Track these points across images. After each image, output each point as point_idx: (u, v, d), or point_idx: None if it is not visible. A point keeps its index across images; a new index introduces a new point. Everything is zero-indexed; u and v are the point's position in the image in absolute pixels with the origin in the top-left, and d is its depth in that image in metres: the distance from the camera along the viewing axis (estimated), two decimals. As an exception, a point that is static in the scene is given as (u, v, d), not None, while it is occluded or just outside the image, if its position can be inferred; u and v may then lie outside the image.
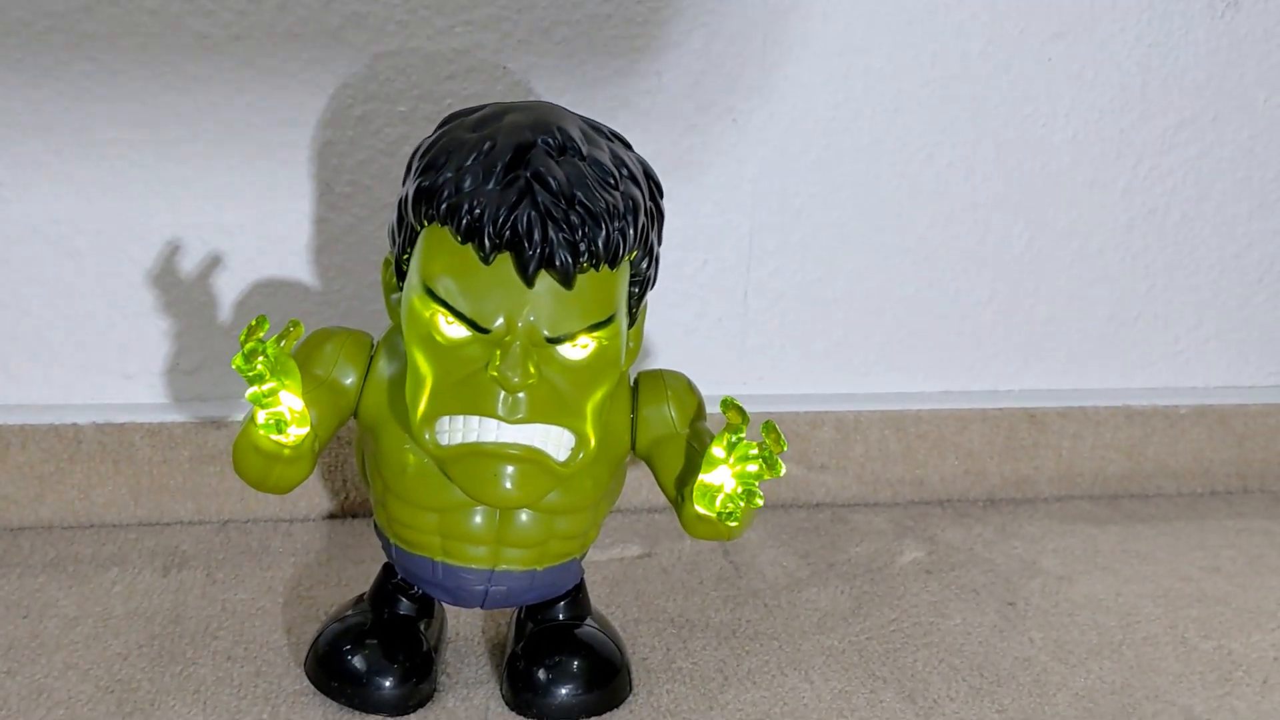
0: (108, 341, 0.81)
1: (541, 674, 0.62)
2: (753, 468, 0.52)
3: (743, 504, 0.53)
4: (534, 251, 0.52)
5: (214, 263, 0.81)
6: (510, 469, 0.55)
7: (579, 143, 0.54)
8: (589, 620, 0.65)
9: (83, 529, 0.81)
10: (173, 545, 0.80)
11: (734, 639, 0.72)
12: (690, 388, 0.62)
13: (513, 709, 0.62)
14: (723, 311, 0.88)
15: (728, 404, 0.54)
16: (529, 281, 0.53)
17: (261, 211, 0.80)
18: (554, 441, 0.55)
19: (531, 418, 0.54)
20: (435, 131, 0.57)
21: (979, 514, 0.91)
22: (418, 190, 0.55)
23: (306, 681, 0.64)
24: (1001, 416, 0.93)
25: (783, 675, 0.69)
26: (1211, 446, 0.96)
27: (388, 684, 0.61)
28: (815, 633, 0.73)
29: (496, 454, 0.54)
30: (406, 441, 0.58)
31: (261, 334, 0.50)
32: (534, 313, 0.53)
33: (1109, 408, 0.93)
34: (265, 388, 0.51)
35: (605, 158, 0.54)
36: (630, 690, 0.64)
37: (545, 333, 0.54)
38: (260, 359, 0.50)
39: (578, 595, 0.65)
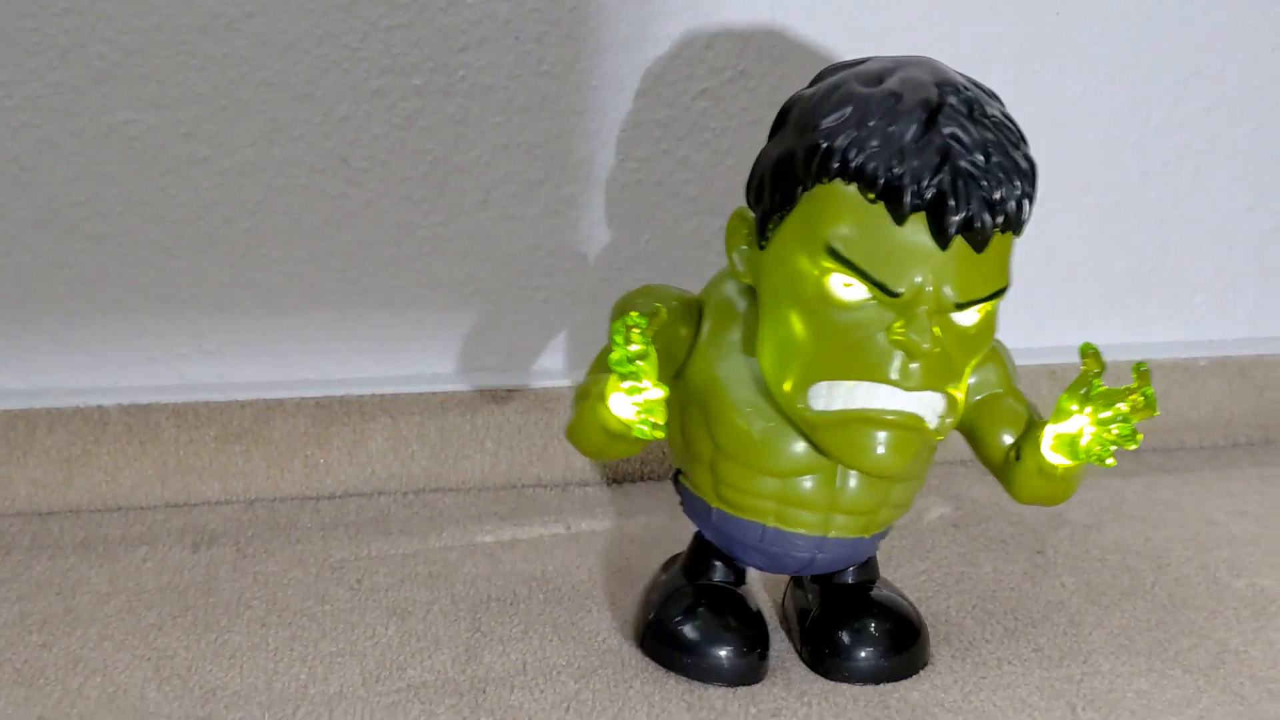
0: (130, 324, 0.82)
1: (845, 636, 0.62)
2: (1123, 405, 0.50)
3: (1115, 446, 0.51)
4: (954, 214, 0.50)
5: (234, 241, 0.82)
6: (890, 436, 0.53)
7: (980, 101, 0.52)
8: (879, 583, 0.64)
9: (111, 511, 0.82)
10: (201, 524, 0.80)
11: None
12: (1004, 349, 0.61)
13: (815, 670, 0.62)
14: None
15: (1086, 350, 0.52)
16: (945, 244, 0.50)
17: (279, 187, 0.81)
18: (931, 408, 0.54)
19: (924, 384, 0.52)
20: (816, 85, 0.54)
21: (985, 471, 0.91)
22: (816, 145, 0.52)
23: (341, 643, 0.64)
24: (1022, 373, 0.93)
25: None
26: (1232, 398, 0.96)
27: (725, 652, 0.61)
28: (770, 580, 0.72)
29: (881, 421, 0.53)
30: (750, 404, 0.56)
31: (639, 334, 0.49)
32: (946, 277, 0.51)
33: (1128, 362, 0.93)
34: (643, 386, 0.50)
35: (1002, 117, 0.52)
36: (930, 654, 0.64)
37: (954, 298, 0.52)
38: (642, 362, 0.49)
39: (869, 558, 0.64)
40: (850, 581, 0.65)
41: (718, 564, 0.64)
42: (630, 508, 0.84)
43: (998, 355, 0.61)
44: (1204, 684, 0.63)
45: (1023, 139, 0.54)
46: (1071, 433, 0.52)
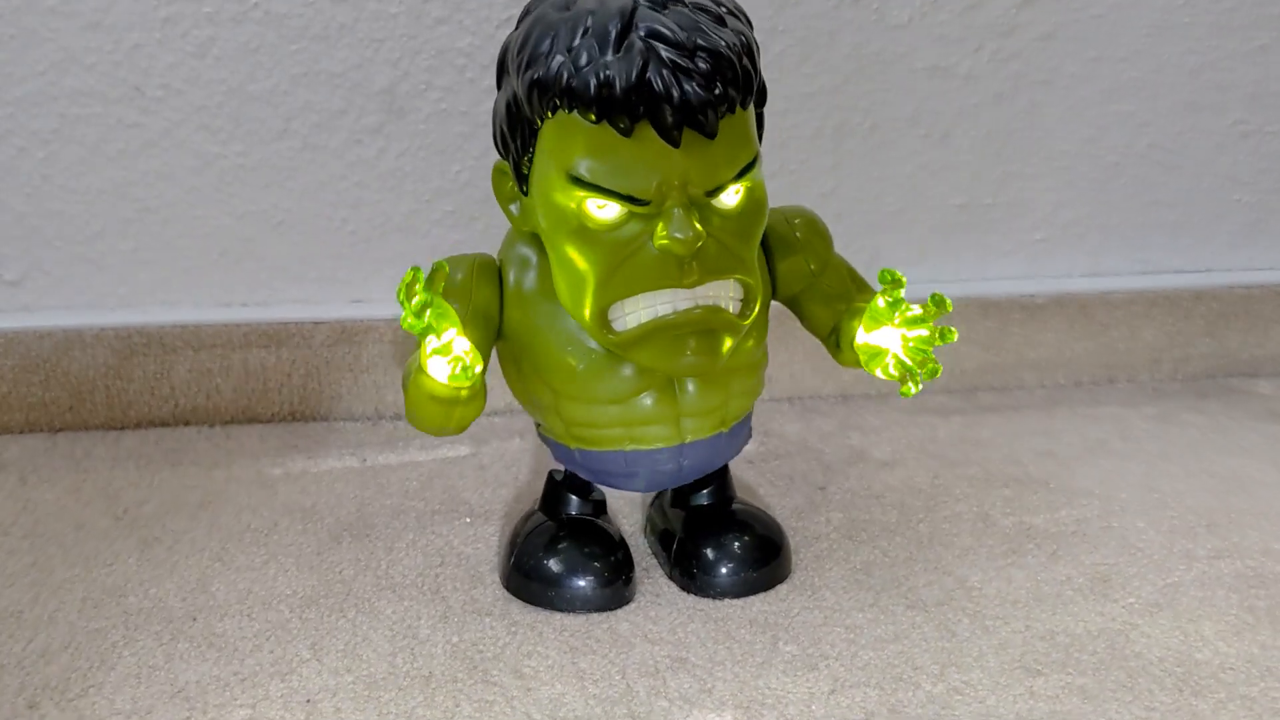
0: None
1: (710, 552, 0.63)
2: (921, 332, 0.53)
3: (921, 375, 0.53)
4: (674, 110, 0.50)
5: (29, 171, 0.81)
6: (693, 336, 0.54)
7: None
8: (738, 501, 0.66)
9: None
10: (-2, 454, 0.80)
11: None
12: (817, 223, 0.62)
13: (684, 590, 0.64)
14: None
15: (885, 277, 0.53)
16: (675, 141, 0.51)
17: (73, 117, 0.80)
18: (727, 295, 0.54)
19: (705, 277, 0.53)
20: (521, 25, 0.55)
21: (827, 410, 0.90)
22: (532, 83, 0.52)
23: (77, 569, 0.66)
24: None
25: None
26: (1073, 337, 0.95)
27: (586, 582, 0.62)
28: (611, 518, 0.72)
29: (681, 322, 0.54)
30: (568, 343, 0.58)
31: (420, 286, 0.49)
32: (686, 171, 0.52)
33: (963, 298, 0.92)
34: (445, 338, 0.51)
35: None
36: (791, 566, 0.65)
37: (703, 186, 0.52)
38: (429, 311, 0.50)
39: (724, 478, 0.66)
40: (708, 502, 0.66)
41: (573, 498, 0.65)
42: (434, 441, 0.83)
43: (810, 236, 0.61)
44: (921, 619, 0.62)
45: (732, 14, 0.54)
46: (883, 348, 0.55)
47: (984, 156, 0.92)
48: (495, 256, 0.61)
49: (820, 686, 0.56)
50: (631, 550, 0.66)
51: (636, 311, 0.54)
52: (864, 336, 0.56)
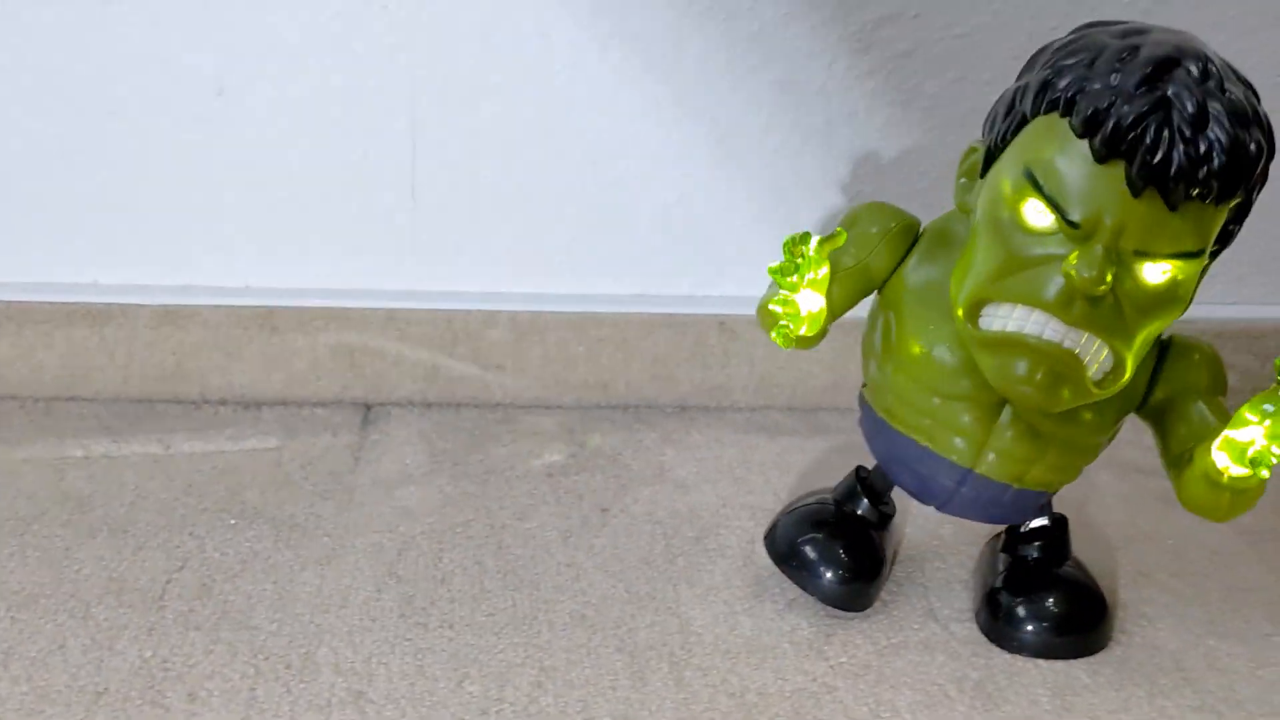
0: None
1: (1022, 609, 0.63)
2: None
3: (1277, 459, 0.51)
4: (1151, 164, 0.51)
5: None
6: (1041, 366, 0.54)
7: (1220, 75, 0.52)
8: (1070, 563, 0.66)
9: None
10: None
11: (281, 530, 0.72)
12: (1220, 363, 0.61)
13: (989, 638, 0.64)
14: (389, 206, 0.86)
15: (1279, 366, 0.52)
16: (1135, 191, 0.51)
17: None
18: (1093, 355, 0.54)
19: (1085, 324, 0.53)
20: (1070, 34, 0.56)
21: (660, 421, 0.89)
22: (1044, 81, 0.54)
23: None
24: (690, 323, 0.91)
25: (301, 570, 0.69)
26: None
27: (834, 576, 0.64)
28: (367, 529, 0.73)
29: (1034, 348, 0.54)
30: (930, 324, 0.59)
31: (804, 247, 0.54)
32: (1129, 221, 0.52)
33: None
34: (785, 299, 0.56)
35: (1241, 96, 0.52)
36: (1110, 638, 0.65)
37: (1133, 244, 0.53)
38: (795, 274, 0.55)
39: (1061, 534, 0.66)
40: (1037, 556, 0.65)
41: (865, 500, 0.66)
42: (246, 430, 0.84)
43: (1203, 361, 0.61)
44: (621, 664, 0.62)
45: (1258, 125, 0.54)
46: (1243, 441, 0.53)
47: (828, 173, 0.90)
48: (919, 225, 0.62)
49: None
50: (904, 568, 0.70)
51: (1007, 317, 0.55)
52: (1229, 433, 0.54)
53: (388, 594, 0.66)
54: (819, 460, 0.84)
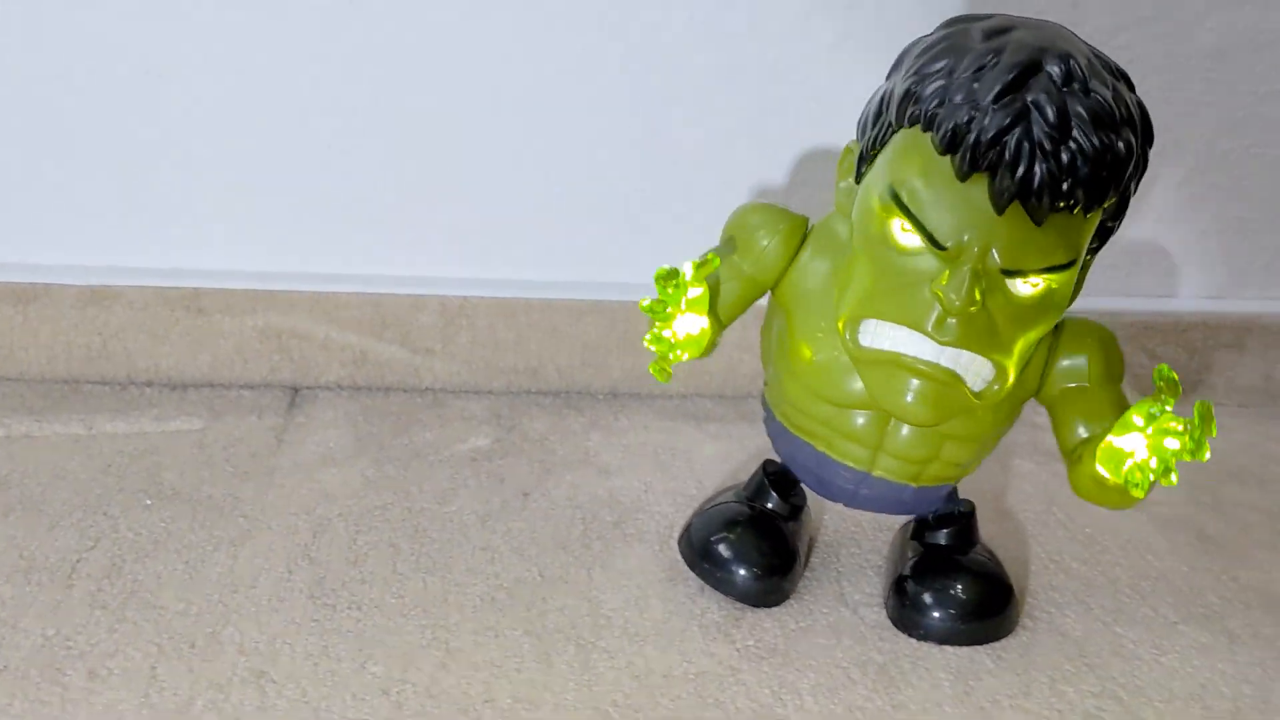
0: None
1: (928, 596, 0.63)
2: (1174, 443, 0.50)
3: (1153, 478, 0.51)
4: (1013, 181, 0.50)
5: None
6: (921, 385, 0.55)
7: (1085, 75, 0.51)
8: (978, 549, 0.66)
9: None
10: None
11: (198, 510, 0.72)
12: (1115, 346, 0.60)
13: (896, 625, 0.64)
14: (318, 189, 0.86)
15: (1162, 373, 0.52)
16: (999, 209, 0.51)
17: None
18: (974, 370, 0.55)
19: (960, 342, 0.54)
20: (938, 32, 0.55)
21: (590, 406, 0.90)
22: (907, 91, 0.53)
23: None
24: (620, 309, 0.91)
25: (214, 550, 0.68)
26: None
27: (748, 574, 0.64)
28: (284, 510, 0.73)
29: (913, 369, 0.54)
30: (819, 331, 0.59)
31: (676, 281, 0.55)
32: (995, 241, 0.52)
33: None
34: (657, 336, 0.56)
35: (1108, 95, 0.51)
36: (1016, 624, 0.65)
37: (1000, 264, 0.52)
38: (669, 308, 0.55)
39: (968, 522, 0.66)
40: (944, 543, 0.66)
41: (774, 495, 0.67)
42: (171, 411, 0.83)
43: (1096, 346, 0.60)
44: (529, 646, 0.62)
45: (1128, 123, 0.52)
46: (1125, 451, 0.53)
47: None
48: (809, 223, 0.61)
49: (383, 713, 0.56)
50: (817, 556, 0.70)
51: (884, 337, 0.55)
52: (1113, 439, 0.53)
53: (299, 575, 0.66)
54: (743, 446, 0.84)
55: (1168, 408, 0.51)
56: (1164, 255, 0.97)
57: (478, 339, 0.90)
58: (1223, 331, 0.96)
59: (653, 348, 0.56)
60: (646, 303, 0.55)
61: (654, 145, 0.88)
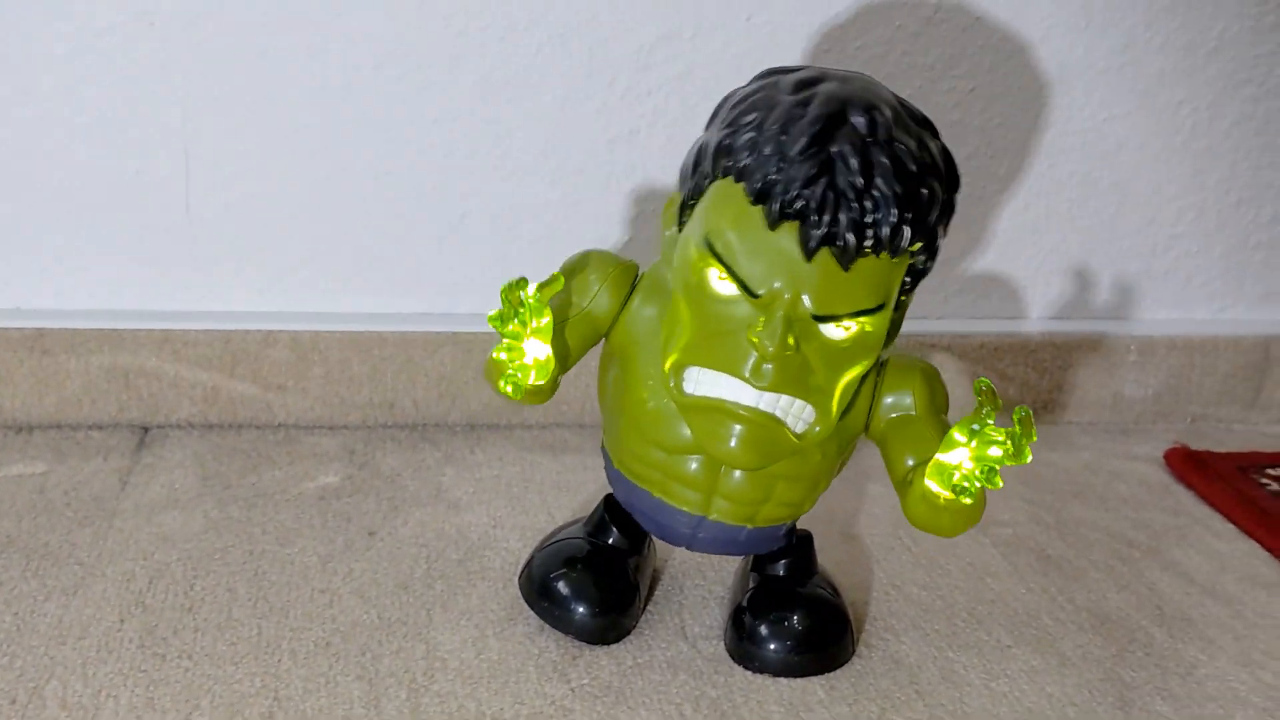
0: None
1: (764, 628, 0.63)
2: (995, 451, 0.51)
3: (979, 484, 0.52)
4: (819, 228, 0.52)
5: None
6: (744, 431, 0.56)
7: (889, 125, 0.53)
8: (816, 579, 0.66)
9: None
10: None
11: (32, 559, 0.71)
12: (938, 380, 0.61)
13: (733, 658, 0.65)
14: (164, 224, 0.85)
15: (981, 387, 0.52)
16: (807, 255, 0.53)
17: None
18: (794, 413, 0.56)
19: (778, 387, 0.55)
20: (751, 84, 0.57)
21: (446, 440, 0.89)
22: (720, 143, 0.55)
23: None
24: (476, 340, 0.91)
25: (45, 600, 0.67)
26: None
27: (586, 611, 0.64)
28: (121, 556, 0.71)
29: (734, 414, 0.55)
30: (651, 378, 0.59)
31: (521, 293, 0.53)
32: (806, 287, 0.53)
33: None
34: (510, 345, 0.55)
35: (912, 145, 0.54)
36: (853, 653, 0.65)
37: (811, 309, 0.54)
38: (515, 320, 0.54)
39: (806, 553, 0.66)
40: (783, 574, 0.66)
41: (615, 529, 0.66)
42: (19, 457, 0.83)
43: (920, 381, 0.61)
44: (361, 692, 0.61)
45: (931, 171, 0.54)
46: (951, 464, 0.53)
47: (622, 191, 0.91)
48: (638, 269, 0.62)
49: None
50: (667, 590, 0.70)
51: (706, 384, 0.56)
52: (940, 456, 0.54)
53: (130, 624, 0.65)
54: (598, 477, 0.84)
55: (990, 421, 0.52)
56: (1010, 279, 0.99)
57: (331, 374, 0.89)
58: (1070, 351, 0.98)
59: (502, 354, 0.56)
60: (494, 313, 0.55)
61: (509, 175, 0.88)
